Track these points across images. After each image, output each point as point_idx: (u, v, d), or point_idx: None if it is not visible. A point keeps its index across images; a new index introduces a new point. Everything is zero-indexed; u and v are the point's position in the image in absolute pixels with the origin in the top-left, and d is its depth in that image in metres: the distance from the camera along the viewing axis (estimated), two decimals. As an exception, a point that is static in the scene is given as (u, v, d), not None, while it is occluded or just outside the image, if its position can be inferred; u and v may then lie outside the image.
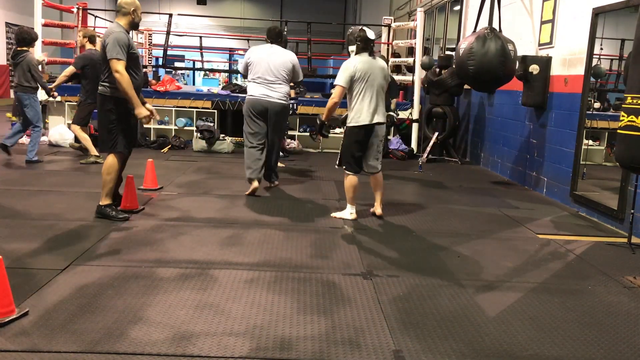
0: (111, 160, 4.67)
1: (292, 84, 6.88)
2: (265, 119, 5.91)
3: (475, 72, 6.24)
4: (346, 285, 3.50)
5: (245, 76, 6.14)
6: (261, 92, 5.83)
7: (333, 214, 5.15)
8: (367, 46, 4.94)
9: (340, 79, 4.88)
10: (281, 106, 5.89)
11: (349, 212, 5.08)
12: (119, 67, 4.43)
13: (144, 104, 4.79)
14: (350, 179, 5.01)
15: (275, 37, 6.08)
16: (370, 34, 4.96)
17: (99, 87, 4.67)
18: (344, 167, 5.04)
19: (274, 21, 22.04)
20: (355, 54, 4.93)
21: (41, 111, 7.41)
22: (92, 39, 7.51)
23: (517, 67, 6.51)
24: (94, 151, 7.35)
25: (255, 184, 5.81)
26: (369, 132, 4.94)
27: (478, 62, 6.17)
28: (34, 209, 4.91)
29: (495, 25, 6.55)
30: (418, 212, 5.49)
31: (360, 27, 5.03)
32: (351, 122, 4.93)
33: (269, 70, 5.83)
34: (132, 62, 4.62)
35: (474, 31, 6.65)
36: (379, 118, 4.95)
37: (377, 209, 5.19)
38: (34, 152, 7.15)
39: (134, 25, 4.78)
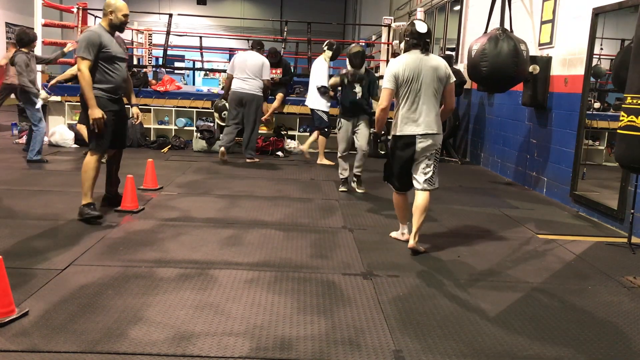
0: (87, 158, 4.69)
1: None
2: (242, 106, 7.78)
3: (489, 73, 6.24)
4: (346, 285, 3.50)
5: (230, 74, 8.00)
6: (240, 86, 7.76)
7: (391, 234, 4.61)
8: (418, 42, 4.16)
9: (386, 81, 4.15)
10: (253, 96, 7.75)
11: (400, 233, 4.54)
12: (81, 65, 4.45)
13: (131, 105, 5.05)
14: (394, 197, 4.42)
15: (256, 45, 8.18)
16: (421, 26, 4.19)
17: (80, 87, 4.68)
18: (390, 183, 4.42)
19: (274, 21, 22.10)
20: (404, 51, 4.28)
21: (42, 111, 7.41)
22: None
23: (528, 67, 6.51)
24: None
25: (223, 149, 7.77)
26: (413, 144, 4.15)
27: (491, 62, 6.18)
28: (34, 209, 4.91)
29: (503, 25, 6.55)
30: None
31: (411, 21, 4.35)
32: (396, 130, 4.22)
33: (245, 70, 7.74)
34: (107, 61, 4.58)
35: (485, 32, 6.65)
36: (428, 128, 4.12)
37: (411, 239, 4.21)
38: (35, 151, 7.16)
39: (114, 27, 4.68)
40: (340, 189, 6.30)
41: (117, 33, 4.76)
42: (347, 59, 6.14)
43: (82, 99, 4.63)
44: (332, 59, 7.88)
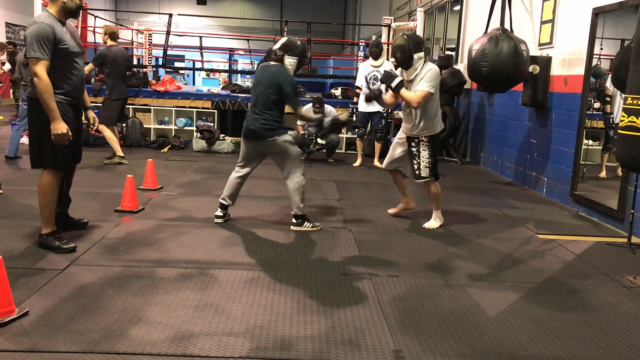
0: (45, 179, 3.84)
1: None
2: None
3: (489, 73, 6.24)
4: (346, 285, 3.50)
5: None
6: None
7: (427, 225, 4.94)
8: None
9: (433, 85, 4.62)
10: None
11: (440, 217, 5.00)
12: (38, 68, 3.60)
13: (86, 109, 4.19)
14: (437, 187, 4.94)
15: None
16: None
17: (29, 89, 3.91)
18: (436, 177, 4.88)
19: (274, 21, 22.07)
20: (424, 60, 4.69)
21: None
22: (112, 36, 7.50)
23: (529, 67, 6.50)
24: (119, 152, 7.41)
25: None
26: None
27: (491, 62, 6.17)
28: (34, 209, 4.88)
29: (503, 25, 6.55)
30: (418, 212, 5.48)
31: (411, 33, 4.86)
32: (437, 128, 4.81)
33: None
34: (64, 58, 3.77)
35: (485, 32, 6.65)
36: None
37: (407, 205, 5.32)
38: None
39: (68, 11, 3.82)
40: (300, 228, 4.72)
41: (67, 22, 3.90)
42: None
43: (32, 106, 3.82)
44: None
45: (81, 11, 4.07)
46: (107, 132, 7.42)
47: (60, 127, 3.69)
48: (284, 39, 4.65)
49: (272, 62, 4.62)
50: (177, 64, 15.62)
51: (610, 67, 6.01)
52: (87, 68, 7.28)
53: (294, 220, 4.69)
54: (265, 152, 4.72)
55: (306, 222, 4.69)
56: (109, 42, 7.45)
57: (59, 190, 4.05)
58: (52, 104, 3.67)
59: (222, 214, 4.77)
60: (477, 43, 6.43)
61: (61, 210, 4.22)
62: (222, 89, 10.65)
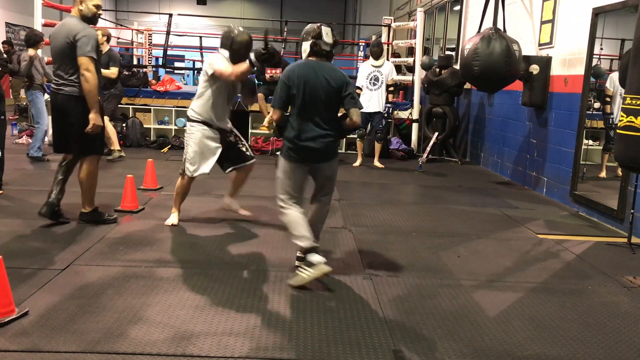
0: (91, 164, 4.42)
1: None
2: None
3: (481, 73, 6.24)
4: (346, 285, 3.50)
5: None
6: None
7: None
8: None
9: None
10: None
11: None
12: (91, 66, 4.12)
13: None
14: None
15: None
16: None
17: (66, 88, 4.23)
18: None
19: (274, 21, 22.06)
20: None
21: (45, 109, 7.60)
22: (109, 39, 7.79)
23: (522, 67, 6.51)
24: (116, 146, 7.68)
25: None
26: None
27: (483, 62, 6.18)
28: (33, 209, 4.89)
29: (496, 25, 6.56)
30: (418, 212, 5.49)
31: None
32: None
33: None
34: (96, 62, 4.27)
35: (479, 31, 6.65)
36: None
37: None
38: (36, 147, 7.41)
39: (84, 19, 4.23)
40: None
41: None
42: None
43: (72, 103, 4.21)
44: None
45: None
46: (111, 127, 7.64)
47: (100, 119, 4.26)
48: (329, 29, 3.59)
49: (315, 59, 3.61)
50: (177, 64, 15.61)
51: (610, 67, 6.01)
52: (115, 71, 7.61)
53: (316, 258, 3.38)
54: (316, 176, 3.68)
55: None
56: (106, 45, 7.57)
57: (64, 177, 4.52)
58: (98, 98, 4.21)
59: (322, 260, 3.39)
60: (470, 42, 6.44)
61: (61, 197, 4.49)
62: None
